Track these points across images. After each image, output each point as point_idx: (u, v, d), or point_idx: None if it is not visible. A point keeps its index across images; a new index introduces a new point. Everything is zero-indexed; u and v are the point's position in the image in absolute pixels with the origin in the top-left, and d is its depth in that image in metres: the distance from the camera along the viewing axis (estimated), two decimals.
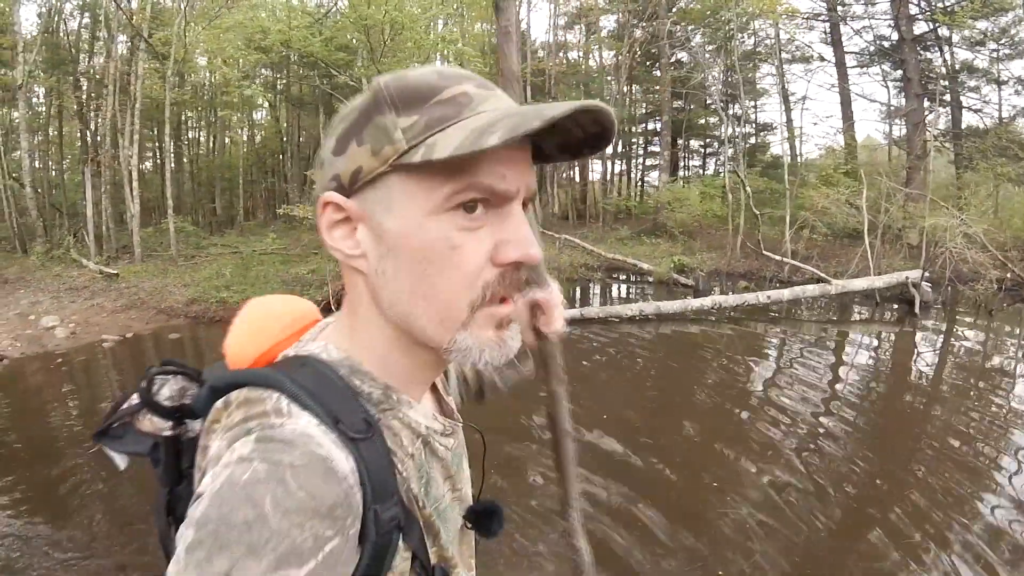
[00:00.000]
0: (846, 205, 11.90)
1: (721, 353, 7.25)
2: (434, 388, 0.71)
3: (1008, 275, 12.85)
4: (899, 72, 18.21)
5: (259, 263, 11.65)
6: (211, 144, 19.84)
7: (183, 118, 18.58)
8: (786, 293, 9.05)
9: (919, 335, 8.43)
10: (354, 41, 11.83)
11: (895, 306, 9.90)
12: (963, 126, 18.09)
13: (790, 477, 4.07)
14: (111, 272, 11.56)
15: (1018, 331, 9.21)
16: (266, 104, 18.43)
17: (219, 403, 0.55)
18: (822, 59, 19.07)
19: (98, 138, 15.31)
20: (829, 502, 3.76)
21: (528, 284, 0.79)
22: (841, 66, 18.70)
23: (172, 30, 13.74)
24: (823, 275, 9.00)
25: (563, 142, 0.55)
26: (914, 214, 12.17)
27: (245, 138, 19.86)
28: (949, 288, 10.89)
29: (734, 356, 7.11)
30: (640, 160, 22.75)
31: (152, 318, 9.46)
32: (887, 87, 19.53)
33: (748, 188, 12.74)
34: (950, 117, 18.61)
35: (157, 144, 17.47)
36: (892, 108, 18.83)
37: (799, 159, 18.95)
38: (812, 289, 9.22)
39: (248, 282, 10.39)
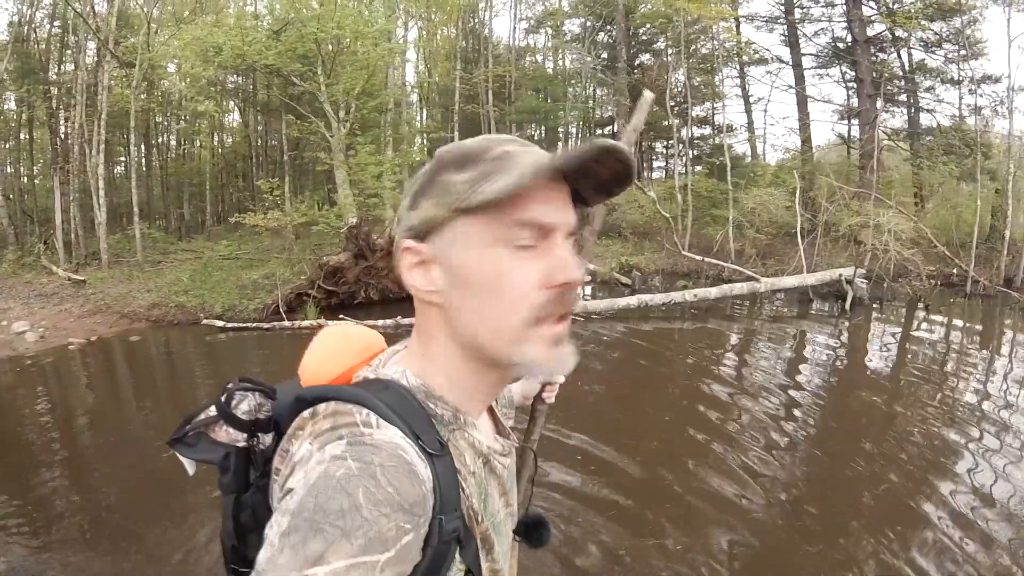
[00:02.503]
0: (784, 205, 12.32)
1: (669, 349, 7.77)
2: (492, 411, 0.78)
3: (955, 271, 13.42)
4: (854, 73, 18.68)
5: (219, 268, 11.97)
6: (181, 149, 20.07)
7: (153, 123, 18.78)
8: (713, 292, 9.48)
9: (846, 330, 8.98)
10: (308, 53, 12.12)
11: (843, 303, 10.37)
12: (919, 126, 18.60)
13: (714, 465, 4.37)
14: (79, 279, 11.93)
15: (948, 322, 9.77)
16: (235, 109, 18.71)
17: (306, 413, 0.60)
18: (780, 61, 19.58)
19: (68, 145, 15.52)
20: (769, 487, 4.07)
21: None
22: (798, 68, 19.18)
23: (138, 38, 14.00)
24: (752, 273, 9.43)
25: (596, 183, 0.64)
26: (860, 212, 12.61)
27: (215, 142, 20.11)
28: (885, 284, 11.36)
29: (683, 352, 7.65)
30: None
31: (116, 322, 9.81)
32: (845, 88, 20.03)
33: (677, 198, 13.13)
34: (907, 117, 19.15)
35: (127, 150, 17.70)
36: (844, 108, 19.28)
37: (758, 160, 19.36)
38: (740, 287, 9.64)
39: (207, 287, 10.73)
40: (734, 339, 8.48)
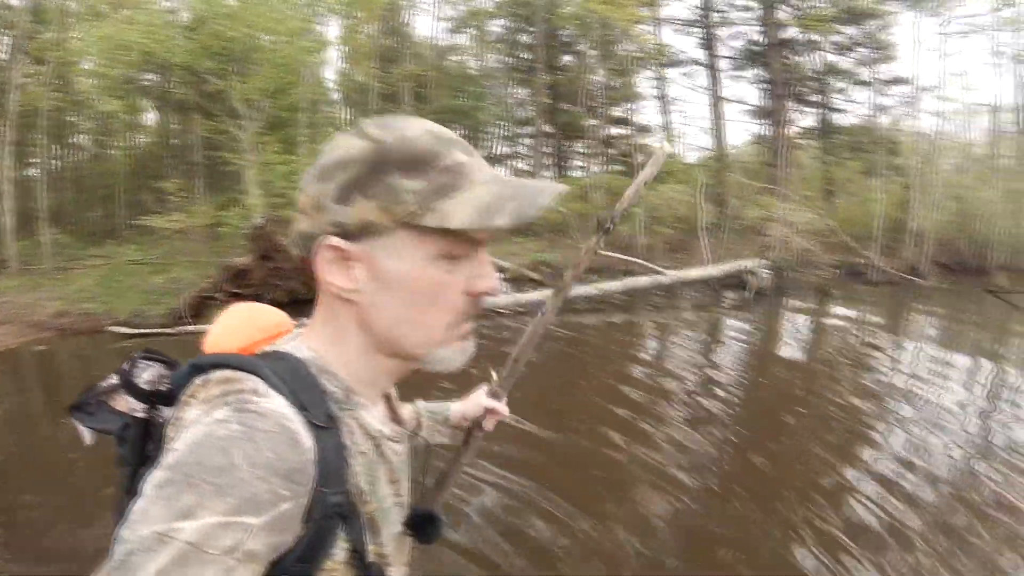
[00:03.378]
0: (689, 201, 12.86)
1: (596, 339, 8.17)
2: (388, 398, 0.78)
3: (861, 261, 14.27)
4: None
5: (128, 274, 11.67)
6: (95, 150, 19.31)
7: (66, 123, 18.01)
8: (617, 285, 9.87)
9: (757, 317, 9.61)
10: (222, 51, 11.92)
11: (748, 293, 10.96)
12: (831, 125, 19.61)
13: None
14: None
15: (855, 308, 10.47)
16: (151, 108, 18.10)
17: (198, 380, 0.60)
18: (697, 63, 20.34)
19: None
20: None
21: (495, 395, 1.07)
22: (714, 70, 19.97)
23: (52, 34, 13.44)
24: (657, 268, 9.87)
25: None
26: (765, 207, 13.28)
27: (130, 143, 19.43)
28: (787, 274, 12.05)
29: (610, 341, 8.10)
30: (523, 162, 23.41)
31: (22, 332, 9.46)
32: (759, 89, 20.93)
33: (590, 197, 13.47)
34: (819, 117, 20.17)
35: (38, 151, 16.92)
36: (757, 109, 20.18)
37: (673, 158, 20.01)
38: (643, 280, 10.07)
39: (113, 293, 10.47)
40: (656, 329, 9.04)
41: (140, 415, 0.68)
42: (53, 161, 17.80)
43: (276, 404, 0.55)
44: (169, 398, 0.65)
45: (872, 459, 4.28)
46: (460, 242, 0.62)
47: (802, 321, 9.70)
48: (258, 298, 9.24)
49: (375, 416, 0.69)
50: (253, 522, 0.48)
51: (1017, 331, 9.36)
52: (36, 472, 4.30)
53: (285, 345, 0.67)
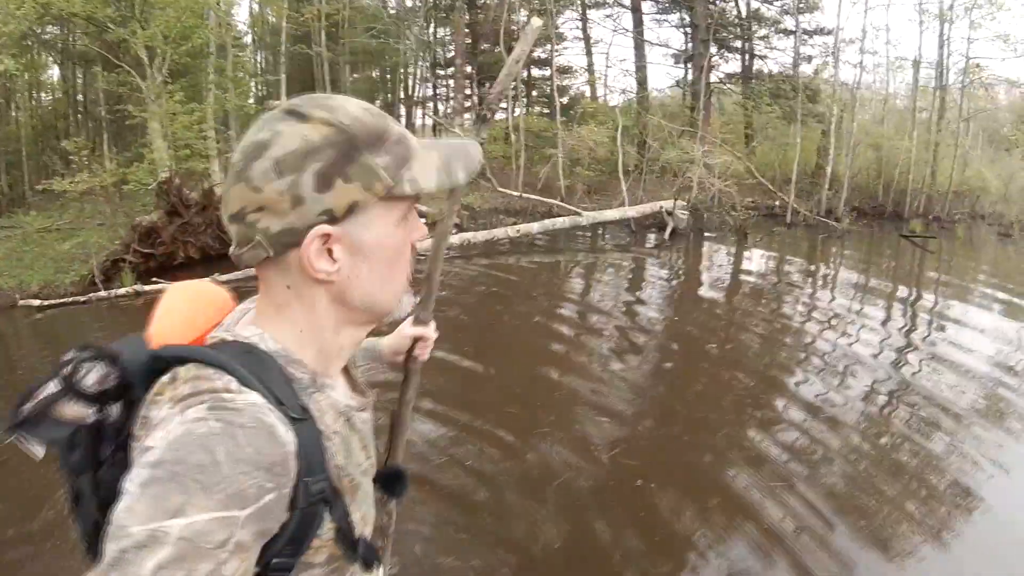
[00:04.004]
0: (605, 144, 13.11)
1: (524, 280, 8.47)
2: (347, 371, 0.80)
3: (777, 203, 14.91)
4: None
5: (37, 243, 11.16)
6: None
7: None
8: (535, 226, 10.11)
9: (677, 256, 10.10)
10: None
11: (663, 233, 11.39)
12: (752, 72, 20.00)
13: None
14: None
15: (762, 249, 11.04)
16: (53, 64, 16.97)
17: (165, 377, 0.60)
18: (621, 5, 20.31)
19: None
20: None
21: (421, 322, 1.09)
22: (638, 13, 19.98)
23: None
24: (575, 208, 10.11)
25: None
26: (684, 150, 13.61)
27: (32, 103, 18.23)
28: (705, 216, 12.55)
29: (537, 282, 8.42)
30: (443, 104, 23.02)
31: None
32: (684, 34, 21.11)
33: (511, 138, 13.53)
34: (740, 63, 20.53)
35: None
36: (680, 53, 20.42)
37: (596, 101, 20.17)
38: (562, 221, 10.33)
39: (24, 264, 10.03)
40: (580, 268, 9.37)
41: (91, 420, 0.63)
42: None
43: (251, 399, 0.56)
44: (118, 394, 0.62)
45: (795, 384, 4.65)
46: (412, 203, 0.69)
47: (719, 259, 10.24)
48: (171, 256, 9.12)
49: (340, 392, 0.73)
50: (240, 515, 0.50)
51: (923, 271, 10.16)
52: None
53: (244, 331, 0.67)
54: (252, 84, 17.26)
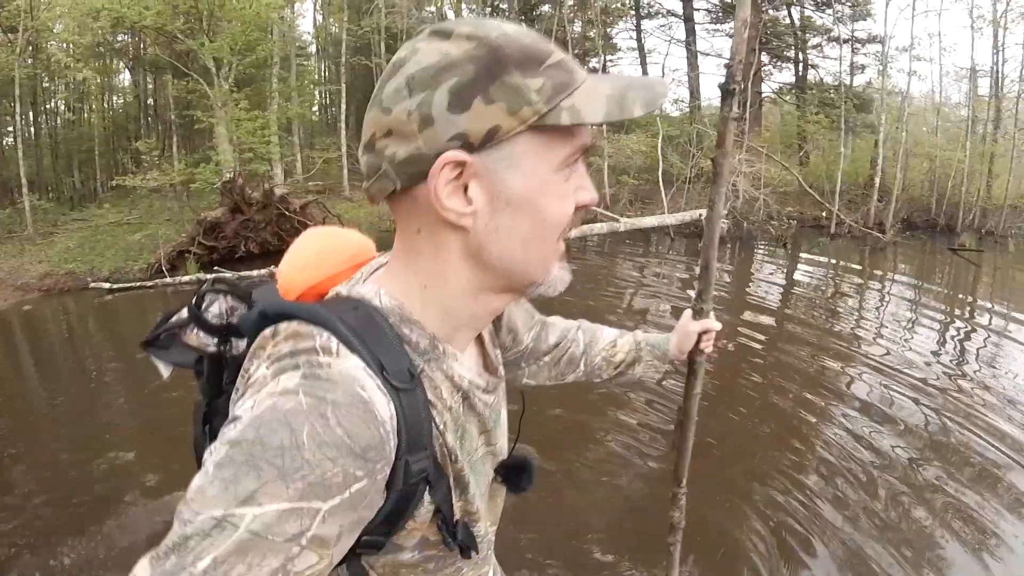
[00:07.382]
0: (646, 152, 13.24)
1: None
2: (481, 343, 0.72)
3: (824, 214, 14.72)
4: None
5: (108, 234, 12.03)
6: (70, 114, 19.39)
7: (40, 89, 18.05)
8: (573, 232, 10.25)
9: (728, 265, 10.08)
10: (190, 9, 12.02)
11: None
12: (806, 81, 19.77)
13: None
14: None
15: (809, 259, 11.04)
16: (125, 69, 18.04)
17: (267, 331, 0.56)
18: (674, 15, 20.44)
19: None
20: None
21: (700, 314, 1.05)
22: (690, 22, 20.06)
23: (21, 2, 13.44)
24: (612, 215, 10.30)
25: None
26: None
27: (105, 105, 19.45)
28: (745, 225, 12.52)
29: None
30: None
31: (10, 295, 9.86)
32: None
33: None
34: (795, 72, 20.32)
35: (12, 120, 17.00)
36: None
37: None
38: (600, 227, 10.55)
39: (95, 253, 10.85)
40: (633, 274, 9.54)
41: (213, 349, 0.66)
42: (30, 128, 17.89)
43: (349, 366, 0.51)
44: (241, 332, 0.62)
45: (842, 415, 4.22)
46: (578, 148, 0.57)
47: (765, 269, 10.23)
48: (232, 250, 9.72)
49: (464, 365, 0.64)
50: (322, 507, 0.45)
51: (972, 286, 9.79)
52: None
53: (361, 287, 0.61)
54: (316, 92, 17.95)
